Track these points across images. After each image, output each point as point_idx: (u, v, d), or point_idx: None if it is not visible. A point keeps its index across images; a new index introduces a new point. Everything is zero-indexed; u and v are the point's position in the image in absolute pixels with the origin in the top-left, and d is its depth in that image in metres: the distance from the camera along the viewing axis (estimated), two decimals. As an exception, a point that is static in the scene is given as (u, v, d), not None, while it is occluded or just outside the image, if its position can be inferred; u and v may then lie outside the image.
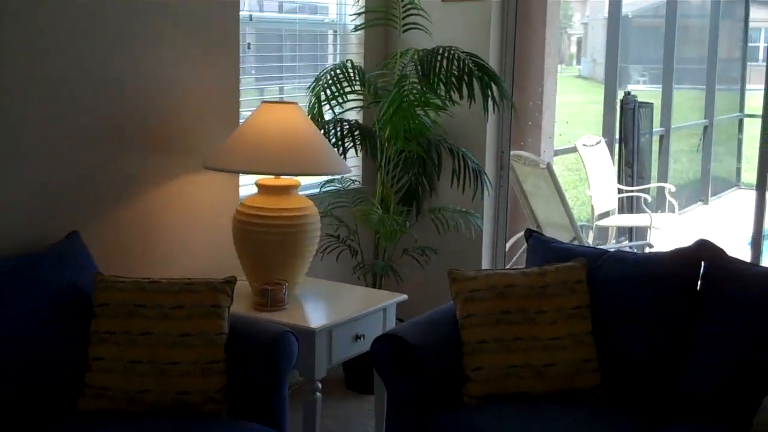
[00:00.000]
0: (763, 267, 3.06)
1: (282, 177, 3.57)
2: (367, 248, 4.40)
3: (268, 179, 3.59)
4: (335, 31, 4.58)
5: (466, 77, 3.85)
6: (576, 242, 5.42)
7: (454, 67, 3.88)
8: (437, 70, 3.86)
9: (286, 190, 3.60)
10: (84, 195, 3.34)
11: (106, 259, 3.34)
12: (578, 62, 16.66)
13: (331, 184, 4.40)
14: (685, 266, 3.13)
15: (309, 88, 4.16)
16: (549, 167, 5.26)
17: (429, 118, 4.11)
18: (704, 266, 3.12)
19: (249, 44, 3.97)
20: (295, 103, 3.62)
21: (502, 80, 4.10)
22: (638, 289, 3.14)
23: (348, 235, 4.30)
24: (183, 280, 3.01)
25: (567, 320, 3.10)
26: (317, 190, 4.37)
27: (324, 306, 3.64)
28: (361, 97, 4.30)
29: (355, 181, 4.55)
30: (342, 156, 4.14)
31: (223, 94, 3.79)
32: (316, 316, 3.50)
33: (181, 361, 2.87)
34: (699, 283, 3.11)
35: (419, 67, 3.90)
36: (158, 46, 3.53)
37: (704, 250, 3.13)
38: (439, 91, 3.91)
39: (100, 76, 3.34)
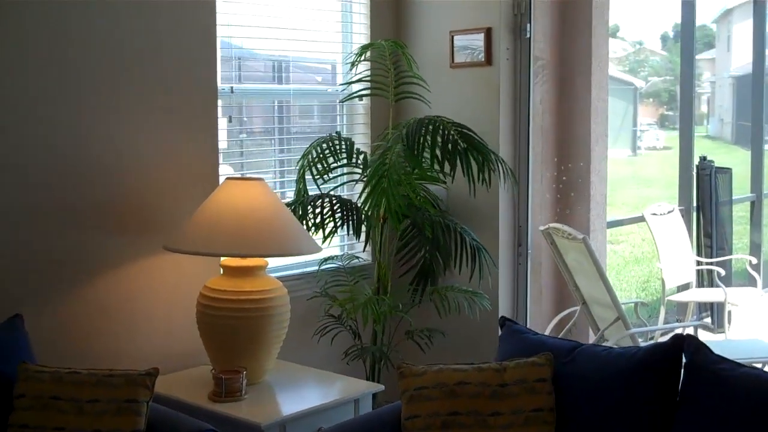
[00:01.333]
0: (749, 368, 2.64)
1: (247, 257, 3.38)
2: (368, 330, 4.14)
3: (232, 260, 3.40)
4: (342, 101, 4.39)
5: (450, 149, 3.58)
6: (620, 322, 4.98)
7: (438, 139, 3.61)
8: (421, 142, 3.60)
9: (252, 271, 3.42)
10: (31, 274, 3.23)
11: (55, 346, 3.22)
12: (707, 122, 16.09)
13: (331, 261, 4.18)
14: (663, 365, 2.74)
15: (297, 162, 3.97)
16: (585, 241, 4.86)
17: (413, 192, 3.83)
18: (685, 365, 2.73)
19: (230, 117, 3.83)
20: (261, 179, 3.44)
21: (491, 151, 3.78)
22: (609, 390, 2.77)
23: (345, 315, 4.04)
24: (103, 371, 2.83)
25: (525, 424, 2.76)
26: (316, 267, 4.16)
27: (287, 396, 3.39)
28: (358, 170, 4.07)
29: (358, 258, 4.30)
30: (328, 234, 3.91)
31: (198, 170, 3.64)
32: (272, 409, 3.25)
33: (92, 461, 2.68)
34: (679, 383, 2.72)
35: (405, 140, 3.65)
36: (125, 120, 3.43)
37: (685, 347, 2.74)
38: (424, 164, 3.66)
39: (58, 149, 3.27)
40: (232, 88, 3.85)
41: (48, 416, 2.73)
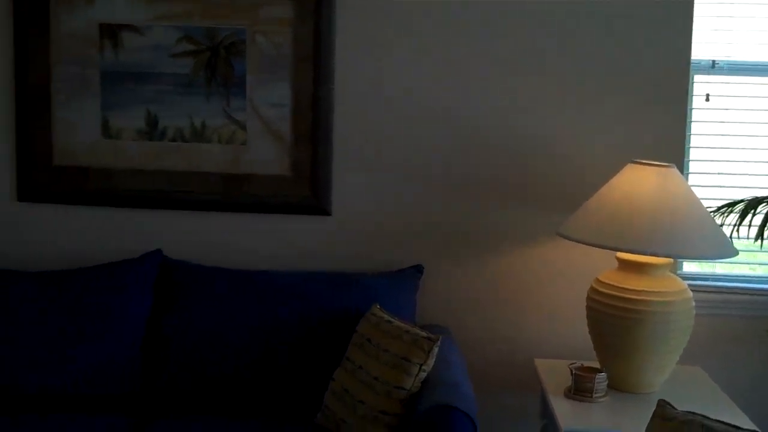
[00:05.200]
0: None
1: (638, 254, 3.00)
2: None
3: (628, 253, 3.04)
4: None
5: None
6: None
7: None
8: None
9: (650, 269, 3.04)
10: (439, 234, 3.46)
11: (437, 302, 3.45)
12: None
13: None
14: None
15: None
16: None
17: None
18: None
19: (708, 96, 3.29)
20: (671, 166, 2.98)
21: None
22: None
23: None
24: (405, 326, 2.93)
25: None
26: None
27: (640, 413, 2.90)
28: None
29: None
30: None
31: (656, 155, 3.19)
32: (599, 419, 2.86)
33: (366, 403, 2.85)
34: None
35: None
36: (570, 98, 3.36)
37: None
38: None
39: (491, 123, 3.40)
40: (713, 61, 3.30)
41: (358, 354, 2.97)
